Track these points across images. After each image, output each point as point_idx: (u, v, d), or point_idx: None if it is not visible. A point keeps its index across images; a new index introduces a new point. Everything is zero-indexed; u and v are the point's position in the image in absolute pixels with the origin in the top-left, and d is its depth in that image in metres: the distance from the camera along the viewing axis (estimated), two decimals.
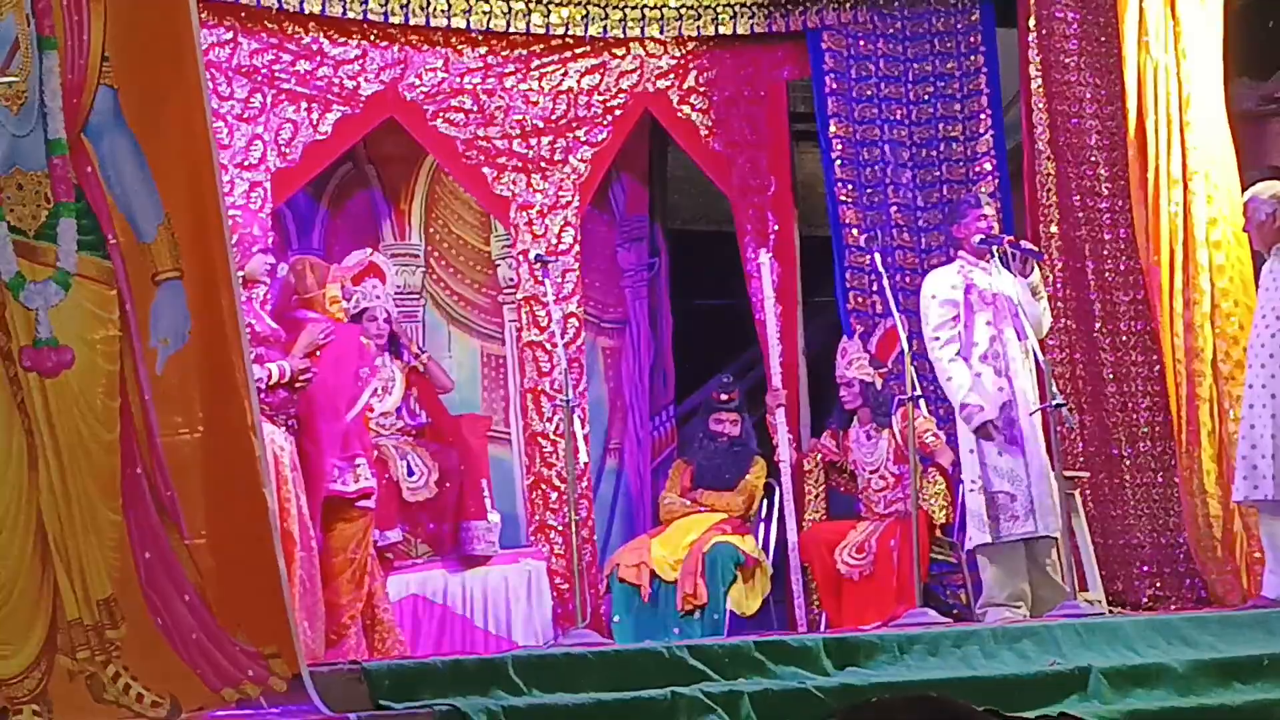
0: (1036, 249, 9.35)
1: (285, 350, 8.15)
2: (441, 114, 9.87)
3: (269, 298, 8.80)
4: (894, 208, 10.33)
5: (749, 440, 10.14)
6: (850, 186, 10.32)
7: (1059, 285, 10.09)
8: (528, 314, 10.07)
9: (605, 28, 10.17)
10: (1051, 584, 8.82)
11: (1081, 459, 10.01)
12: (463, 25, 9.80)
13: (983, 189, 10.04)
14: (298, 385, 8.10)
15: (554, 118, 10.10)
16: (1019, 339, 8.86)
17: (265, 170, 9.25)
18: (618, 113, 10.25)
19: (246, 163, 9.17)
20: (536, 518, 9.91)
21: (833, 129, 10.35)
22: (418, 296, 10.43)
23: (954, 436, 9.15)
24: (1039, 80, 10.27)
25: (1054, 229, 10.20)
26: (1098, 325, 10.23)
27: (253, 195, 9.14)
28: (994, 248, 8.93)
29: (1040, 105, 10.26)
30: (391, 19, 9.62)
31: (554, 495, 9.85)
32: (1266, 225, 8.90)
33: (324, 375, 8.29)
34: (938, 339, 8.96)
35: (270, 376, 7.93)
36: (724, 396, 10.10)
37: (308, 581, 7.92)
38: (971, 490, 8.85)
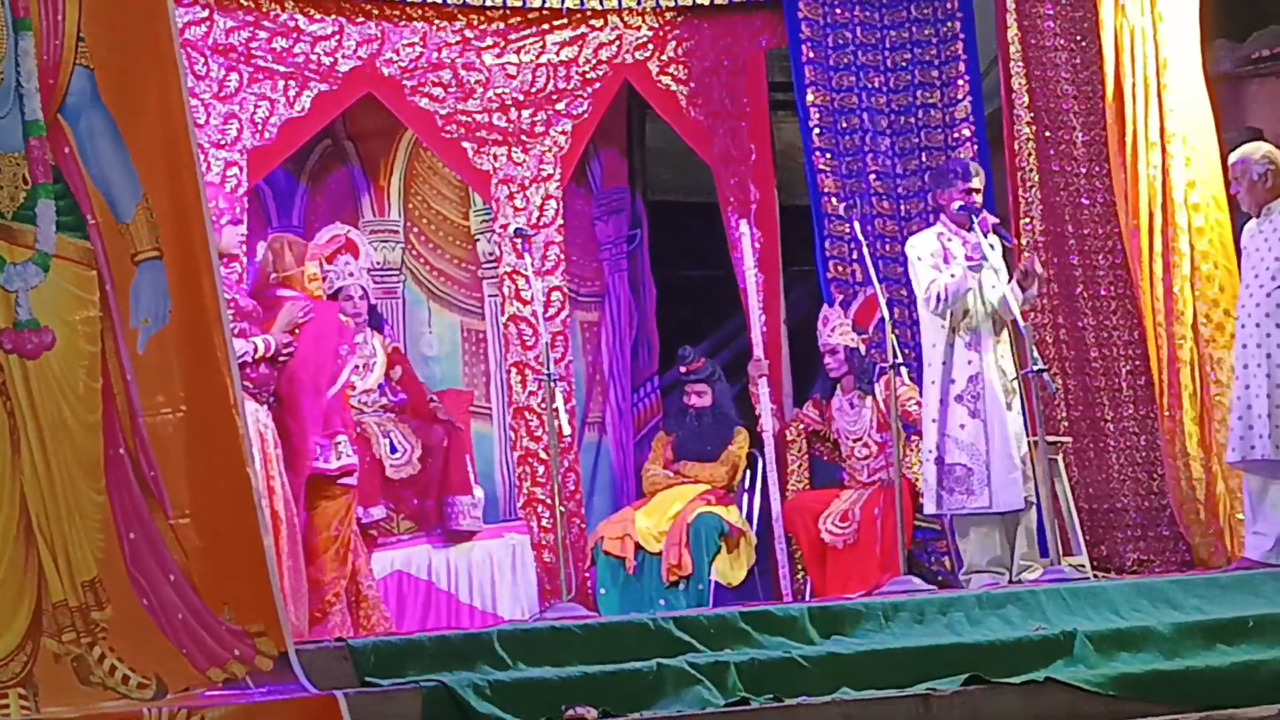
0: (1014, 239, 9.34)
1: (264, 327, 8.13)
2: (420, 89, 9.84)
3: (246, 275, 8.79)
4: (873, 175, 10.30)
5: (729, 410, 10.13)
6: (829, 155, 10.28)
7: (1040, 250, 10.07)
8: (510, 288, 10.05)
9: (582, 0, 10.15)
10: (1032, 543, 8.84)
11: (1066, 423, 10.00)
12: None
13: (962, 154, 10.02)
14: (280, 360, 8.09)
15: (533, 91, 10.07)
16: (987, 310, 8.83)
17: (240, 150, 9.22)
18: (597, 85, 10.22)
19: (222, 142, 9.15)
20: (525, 491, 9.91)
21: (810, 98, 10.31)
22: (397, 272, 10.41)
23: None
24: (1017, 45, 10.23)
25: (1035, 194, 10.16)
26: (1079, 290, 10.22)
27: (228, 174, 9.12)
28: (974, 220, 8.90)
29: (1019, 70, 10.22)
30: None
31: (540, 469, 9.82)
32: (1259, 186, 8.85)
33: (305, 353, 8.28)
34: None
35: (255, 350, 7.92)
36: (683, 369, 10.09)
37: (291, 560, 7.92)
38: (925, 460, 8.86)
